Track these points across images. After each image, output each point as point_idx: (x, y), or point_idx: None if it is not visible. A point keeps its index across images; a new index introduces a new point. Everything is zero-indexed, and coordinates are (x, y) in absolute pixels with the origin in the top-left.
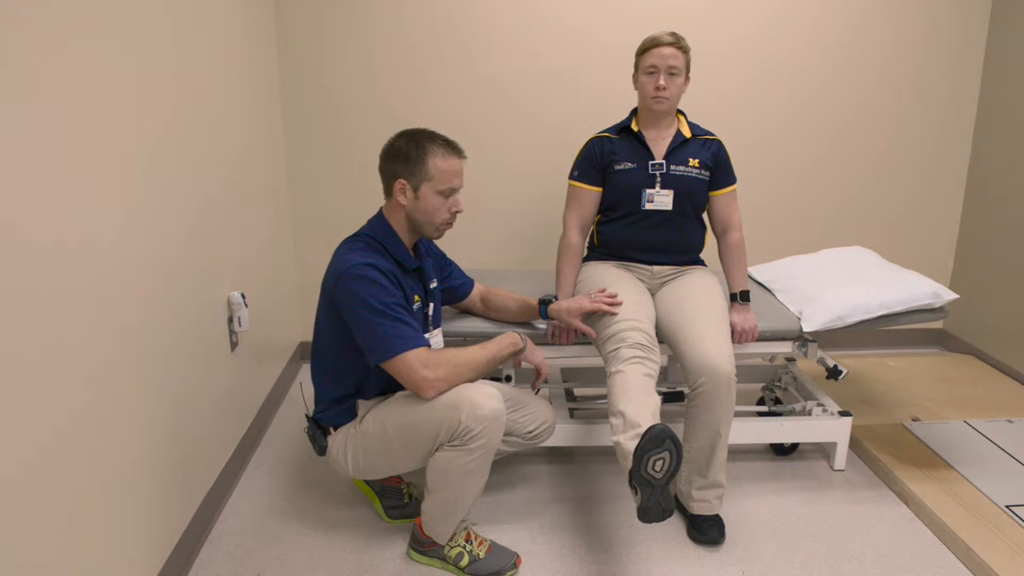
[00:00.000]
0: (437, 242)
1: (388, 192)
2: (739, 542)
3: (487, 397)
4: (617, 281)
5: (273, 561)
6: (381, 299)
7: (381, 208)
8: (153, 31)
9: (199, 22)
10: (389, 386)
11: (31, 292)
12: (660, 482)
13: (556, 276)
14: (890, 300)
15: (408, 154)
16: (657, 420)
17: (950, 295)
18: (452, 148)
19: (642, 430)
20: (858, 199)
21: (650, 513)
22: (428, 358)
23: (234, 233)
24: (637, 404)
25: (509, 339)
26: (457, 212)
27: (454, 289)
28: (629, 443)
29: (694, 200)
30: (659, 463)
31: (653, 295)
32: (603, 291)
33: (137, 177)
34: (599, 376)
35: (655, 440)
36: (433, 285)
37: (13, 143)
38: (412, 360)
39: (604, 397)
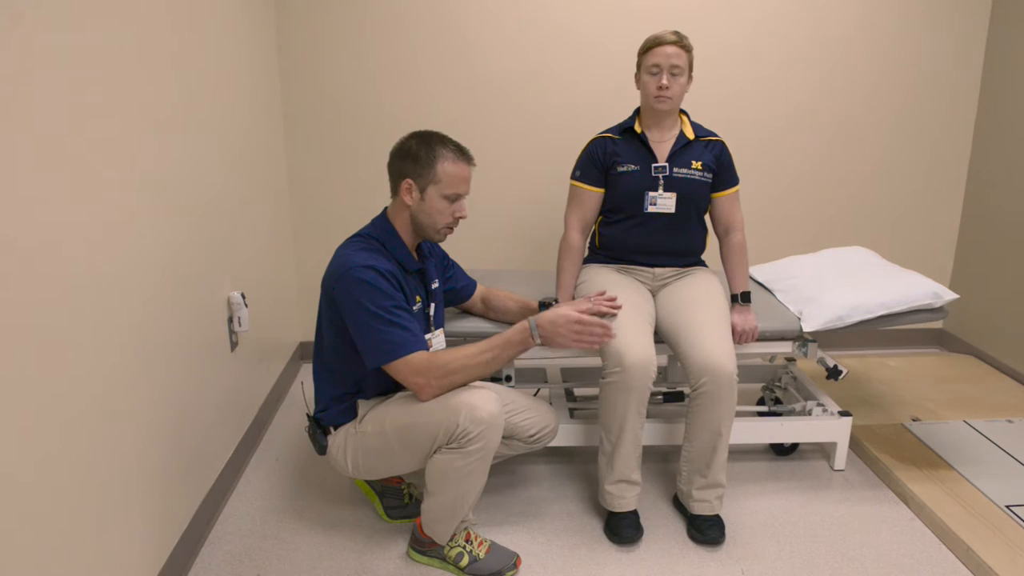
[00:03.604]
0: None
1: (395, 191)
2: (739, 542)
3: (485, 400)
4: (617, 287)
5: (273, 561)
6: (380, 302)
7: (386, 207)
8: (153, 32)
9: (199, 23)
10: (390, 386)
11: (31, 292)
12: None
13: (556, 276)
14: (890, 300)
15: (418, 155)
16: (638, 453)
17: (950, 295)
18: (463, 154)
19: (623, 473)
20: (858, 199)
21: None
22: (426, 361)
23: (234, 233)
24: (623, 443)
25: (520, 338)
26: (460, 217)
27: (457, 291)
28: (607, 491)
29: (697, 202)
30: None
31: (654, 296)
32: (602, 294)
33: (137, 178)
34: (599, 376)
35: (617, 537)
36: (435, 286)
37: (13, 145)
38: (410, 364)
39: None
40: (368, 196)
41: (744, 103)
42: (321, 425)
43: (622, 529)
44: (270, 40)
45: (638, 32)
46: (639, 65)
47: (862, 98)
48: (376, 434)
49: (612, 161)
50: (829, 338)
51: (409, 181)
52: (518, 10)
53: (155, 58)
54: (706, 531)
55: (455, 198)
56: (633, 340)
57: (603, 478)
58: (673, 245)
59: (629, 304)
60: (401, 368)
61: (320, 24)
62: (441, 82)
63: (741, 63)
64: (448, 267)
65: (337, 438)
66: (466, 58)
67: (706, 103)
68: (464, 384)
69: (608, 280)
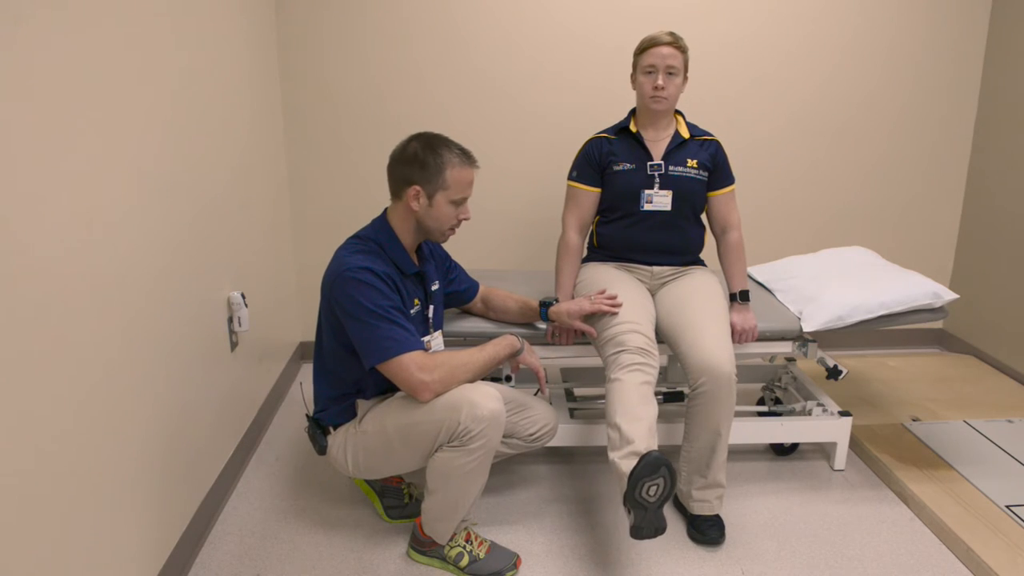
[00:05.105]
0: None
1: (397, 195)
2: (739, 542)
3: (486, 398)
4: (616, 282)
5: (273, 561)
6: (376, 302)
7: (386, 209)
8: (153, 32)
9: (199, 23)
10: (389, 386)
11: (31, 292)
12: (653, 506)
13: (555, 276)
14: (890, 300)
15: (425, 161)
16: (654, 435)
17: (950, 295)
18: (468, 158)
19: (637, 448)
20: (858, 199)
21: (642, 532)
22: (424, 361)
23: (234, 233)
24: (633, 418)
25: (507, 341)
26: (464, 219)
27: (460, 294)
28: (624, 463)
29: (693, 201)
30: (653, 488)
31: (653, 295)
32: (603, 292)
33: (138, 178)
34: (599, 376)
35: (650, 467)
36: (435, 288)
37: (13, 143)
38: (407, 363)
39: (604, 398)
40: (368, 196)
41: (744, 102)
42: (321, 425)
43: (651, 468)
44: (270, 40)
45: (638, 32)
46: (635, 65)
47: (862, 98)
48: (377, 433)
49: (608, 160)
50: (829, 338)
51: (416, 188)
52: (518, 10)
53: (155, 58)
54: (706, 531)
55: (461, 202)
56: (631, 327)
57: (613, 455)
58: (670, 243)
59: (629, 299)
60: (399, 367)
61: (320, 24)
62: (441, 82)
63: (741, 63)
64: (450, 269)
65: (337, 438)
66: (466, 58)
67: (707, 102)
68: (462, 384)
69: (607, 276)
